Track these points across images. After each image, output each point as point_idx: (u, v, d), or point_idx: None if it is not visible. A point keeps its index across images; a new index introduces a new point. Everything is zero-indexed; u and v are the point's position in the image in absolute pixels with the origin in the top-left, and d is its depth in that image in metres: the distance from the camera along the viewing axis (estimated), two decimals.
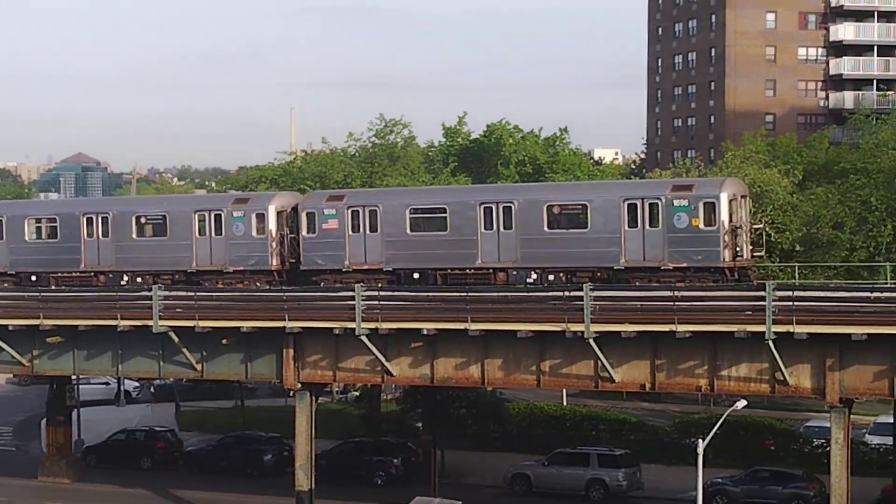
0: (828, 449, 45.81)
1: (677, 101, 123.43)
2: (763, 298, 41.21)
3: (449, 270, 49.36)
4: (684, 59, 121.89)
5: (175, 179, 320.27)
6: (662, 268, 46.13)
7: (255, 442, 63.11)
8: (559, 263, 47.77)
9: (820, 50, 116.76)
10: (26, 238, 54.33)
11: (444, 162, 79.87)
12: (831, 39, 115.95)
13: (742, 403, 42.82)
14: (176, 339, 48.83)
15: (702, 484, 41.25)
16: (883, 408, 64.64)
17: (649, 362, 44.32)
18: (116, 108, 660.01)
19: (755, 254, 48.25)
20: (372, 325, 45.72)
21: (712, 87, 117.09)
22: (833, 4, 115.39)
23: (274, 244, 51.19)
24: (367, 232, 50.13)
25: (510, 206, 48.42)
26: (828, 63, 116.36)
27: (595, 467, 56.06)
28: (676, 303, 42.89)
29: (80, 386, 70.74)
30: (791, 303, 41.45)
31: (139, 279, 53.52)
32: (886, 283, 50.49)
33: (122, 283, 53.51)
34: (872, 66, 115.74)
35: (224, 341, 48.87)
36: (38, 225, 55.15)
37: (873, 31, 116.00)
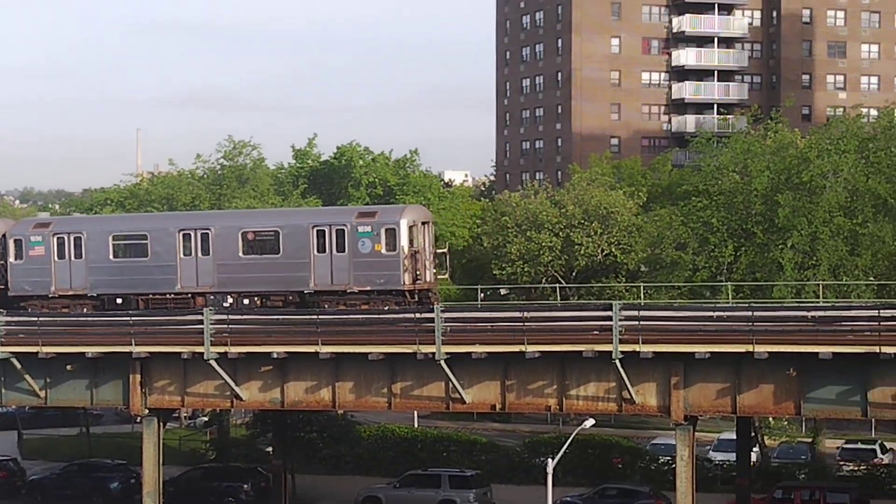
0: (673, 466, 46.69)
1: (525, 123, 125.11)
2: (610, 318, 41.93)
3: (150, 296, 50.63)
4: (532, 83, 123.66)
5: (17, 202, 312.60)
6: (349, 291, 48.20)
7: (101, 469, 61.82)
8: (254, 288, 49.57)
9: (663, 74, 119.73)
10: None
11: (293, 184, 79.53)
12: (673, 64, 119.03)
13: (590, 422, 43.54)
14: (18, 366, 47.60)
15: (552, 503, 41.73)
16: (726, 424, 66.31)
17: (500, 383, 44.67)
18: None
19: (439, 276, 50.79)
20: (221, 349, 45.23)
21: (559, 111, 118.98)
22: (675, 30, 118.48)
23: None
24: (73, 258, 51.25)
25: (207, 233, 50.02)
26: (670, 87, 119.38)
27: (446, 488, 56.30)
28: (526, 323, 43.41)
29: None
30: (637, 322, 42.27)
31: None
32: (728, 303, 51.85)
33: None
34: (713, 90, 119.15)
35: (69, 367, 47.78)
36: None
37: (714, 57, 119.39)
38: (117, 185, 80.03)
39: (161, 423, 48.31)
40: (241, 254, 49.66)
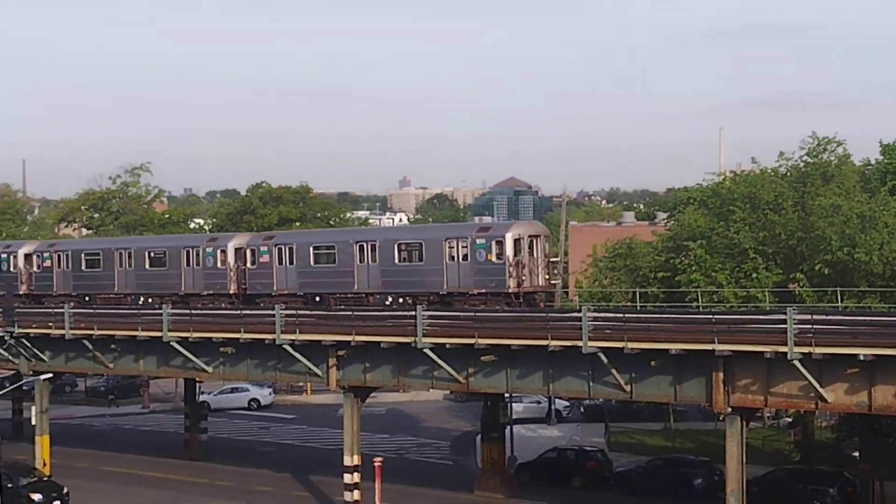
0: None
1: None
2: None
3: (337, 294, 59.96)
4: None
5: (604, 202, 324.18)
6: (470, 293, 55.38)
7: (685, 465, 62.63)
8: (406, 290, 57.74)
9: None
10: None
11: (881, 180, 76.35)
12: None
13: None
14: (605, 360, 49.17)
15: None
16: None
17: None
18: (547, 134, 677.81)
19: (552, 282, 56.87)
20: (804, 350, 44.30)
21: None
22: None
23: (232, 274, 63.87)
24: (287, 264, 61.78)
25: (374, 244, 58.74)
26: None
27: None
28: None
29: (513, 403, 72.71)
30: None
31: None
32: None
33: None
34: None
35: (653, 363, 48.65)
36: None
37: None
38: (699, 184, 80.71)
39: (744, 423, 48.06)
40: (397, 261, 57.91)
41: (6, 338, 67.88)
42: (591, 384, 51.27)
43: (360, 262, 59.21)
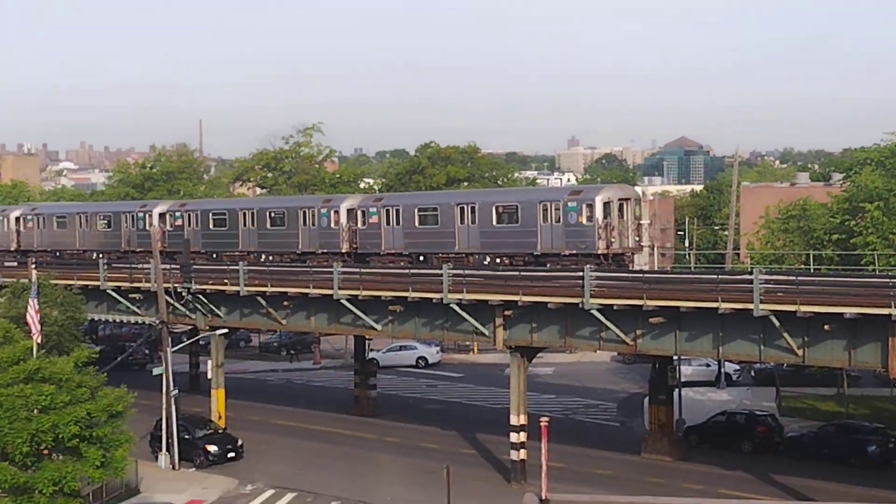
0: None
1: None
2: None
3: (440, 254, 62.38)
4: None
5: (777, 162, 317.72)
6: (562, 254, 57.03)
7: (858, 431, 61.24)
8: (503, 250, 59.93)
9: None
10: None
11: None
12: None
13: None
14: (777, 324, 48.26)
15: None
16: None
17: None
18: (718, 97, 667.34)
19: (642, 244, 57.98)
20: None
21: None
22: None
23: (344, 234, 67.33)
24: (395, 225, 64.76)
25: (474, 206, 61.11)
26: None
27: None
28: None
29: (681, 366, 72.06)
30: None
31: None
32: None
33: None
34: None
35: (826, 327, 47.57)
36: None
37: None
38: (877, 144, 78.57)
39: None
40: (495, 223, 60.21)
41: (184, 294, 69.95)
42: (762, 348, 50.39)
43: (461, 223, 61.81)
